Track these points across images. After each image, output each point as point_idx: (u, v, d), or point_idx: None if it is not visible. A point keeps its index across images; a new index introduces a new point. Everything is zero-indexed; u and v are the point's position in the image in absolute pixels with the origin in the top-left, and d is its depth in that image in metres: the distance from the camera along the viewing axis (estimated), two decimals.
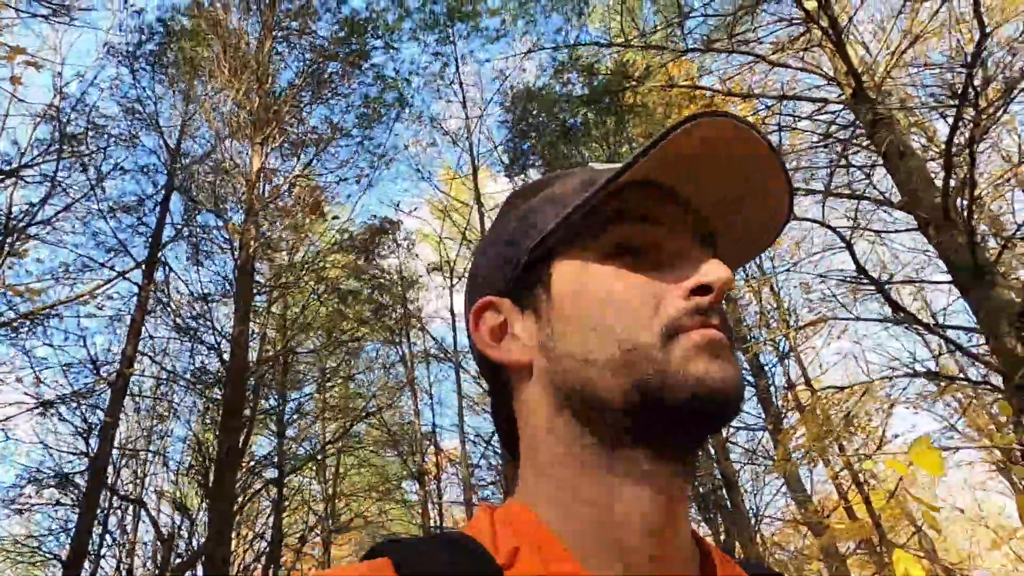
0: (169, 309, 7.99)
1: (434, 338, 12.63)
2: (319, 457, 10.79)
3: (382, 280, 11.06)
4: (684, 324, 0.45)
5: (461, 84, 11.20)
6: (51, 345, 7.54)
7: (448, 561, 0.44)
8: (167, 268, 8.89)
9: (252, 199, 6.63)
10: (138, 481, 8.54)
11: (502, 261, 0.55)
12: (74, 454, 7.41)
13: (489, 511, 0.50)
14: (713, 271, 0.46)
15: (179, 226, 9.03)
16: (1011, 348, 3.66)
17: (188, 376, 7.80)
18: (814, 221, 4.76)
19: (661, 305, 0.46)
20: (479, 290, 0.56)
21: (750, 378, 9.14)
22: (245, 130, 7.06)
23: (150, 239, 8.93)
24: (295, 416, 10.55)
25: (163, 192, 9.69)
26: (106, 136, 8.93)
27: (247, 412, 6.82)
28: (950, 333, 5.26)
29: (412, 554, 0.44)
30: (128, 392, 7.91)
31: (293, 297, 9.14)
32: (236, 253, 6.98)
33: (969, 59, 3.80)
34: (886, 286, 4.84)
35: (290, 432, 10.61)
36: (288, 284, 7.31)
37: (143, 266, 8.67)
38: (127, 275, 8.58)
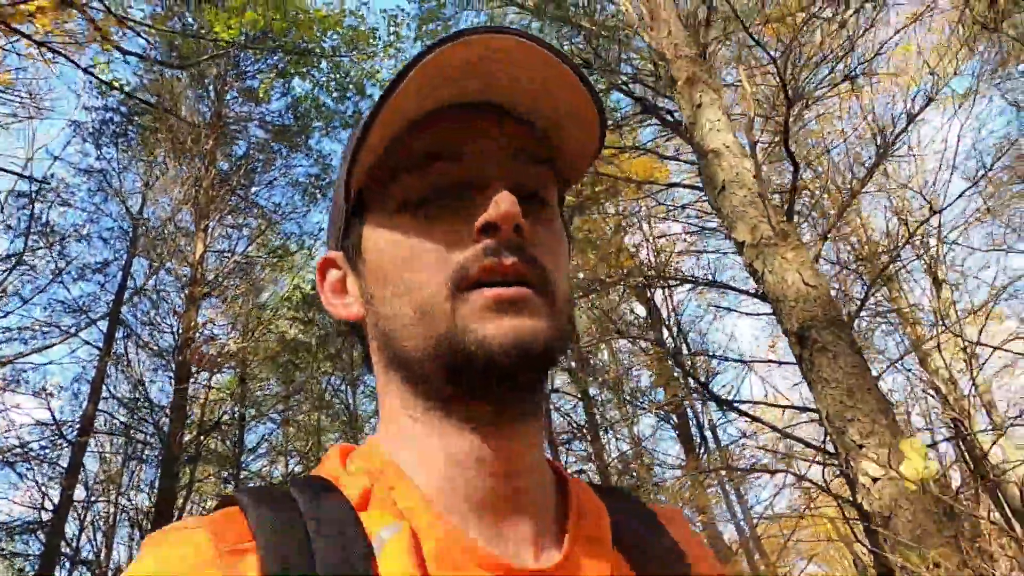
0: (126, 373, 8.80)
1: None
2: None
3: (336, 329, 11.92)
4: (471, 270, 0.44)
5: None
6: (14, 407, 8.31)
7: (301, 504, 0.43)
8: (126, 331, 9.72)
9: (193, 290, 7.49)
10: (94, 538, 9.29)
11: (332, 215, 0.56)
12: (35, 509, 8.22)
13: (341, 451, 0.51)
14: (499, 205, 0.44)
15: (135, 290, 9.86)
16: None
17: (135, 443, 8.61)
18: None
19: (450, 254, 0.45)
20: (327, 245, 0.57)
21: None
22: (191, 217, 7.93)
23: (111, 304, 9.77)
24: (251, 459, 11.36)
25: (125, 256, 10.56)
26: (71, 211, 9.80)
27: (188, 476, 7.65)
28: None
29: (262, 498, 0.44)
30: (89, 449, 8.73)
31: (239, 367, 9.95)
32: (177, 336, 7.85)
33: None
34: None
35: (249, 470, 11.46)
36: (227, 356, 8.14)
37: (110, 316, 9.52)
38: (91, 325, 9.41)
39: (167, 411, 7.61)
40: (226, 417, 9.75)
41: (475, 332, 0.43)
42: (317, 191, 9.90)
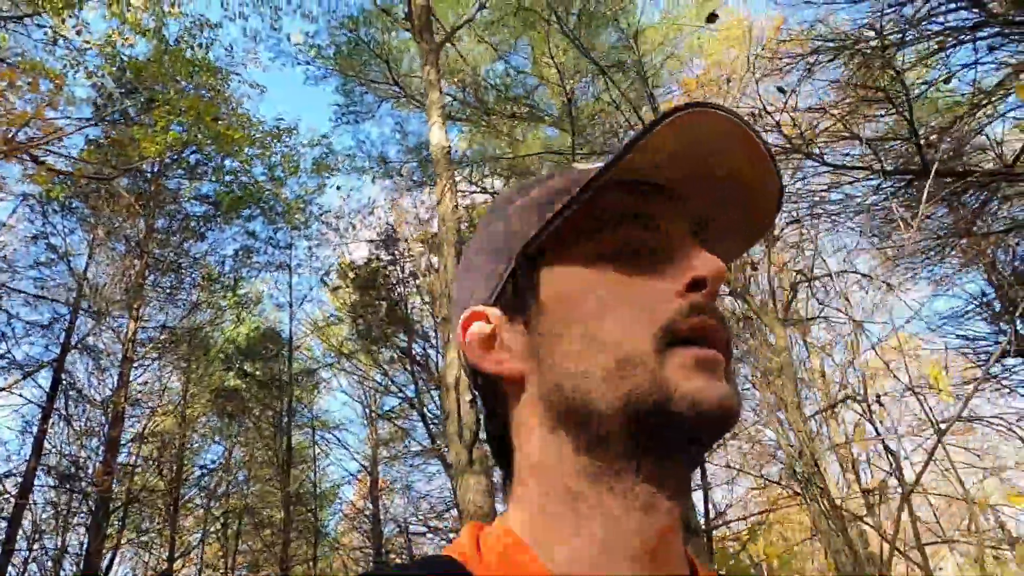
0: (69, 430, 9.70)
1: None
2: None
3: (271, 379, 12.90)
4: (680, 325, 0.44)
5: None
6: None
7: None
8: (69, 385, 10.57)
9: (125, 370, 8.47)
10: None
11: (489, 270, 0.53)
12: None
13: (475, 530, 0.48)
14: (705, 264, 0.45)
15: (78, 343, 10.75)
16: None
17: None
18: None
19: (655, 308, 0.45)
20: (467, 302, 0.55)
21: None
22: (124, 299, 8.92)
23: (55, 362, 10.61)
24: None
25: (69, 315, 11.41)
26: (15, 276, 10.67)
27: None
28: None
29: None
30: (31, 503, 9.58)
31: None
32: (108, 412, 8.81)
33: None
34: None
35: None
36: (154, 434, 9.11)
37: (54, 371, 10.37)
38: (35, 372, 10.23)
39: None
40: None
41: (684, 389, 0.42)
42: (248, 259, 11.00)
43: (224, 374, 12.11)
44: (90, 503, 8.93)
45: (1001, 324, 4.30)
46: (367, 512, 14.30)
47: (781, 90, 3.23)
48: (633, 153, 0.45)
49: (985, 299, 4.39)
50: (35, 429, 10.28)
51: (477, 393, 0.55)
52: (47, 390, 10.30)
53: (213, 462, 13.01)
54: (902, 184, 4.03)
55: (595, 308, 0.46)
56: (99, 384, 10.66)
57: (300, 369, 13.68)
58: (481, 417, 0.56)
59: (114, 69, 8.64)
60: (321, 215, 11.33)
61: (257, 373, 12.79)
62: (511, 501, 0.49)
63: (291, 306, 12.14)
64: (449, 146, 4.81)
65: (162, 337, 9.59)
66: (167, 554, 11.39)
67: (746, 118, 0.46)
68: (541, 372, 0.48)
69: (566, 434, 0.46)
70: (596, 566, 0.43)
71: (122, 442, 9.13)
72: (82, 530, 9.48)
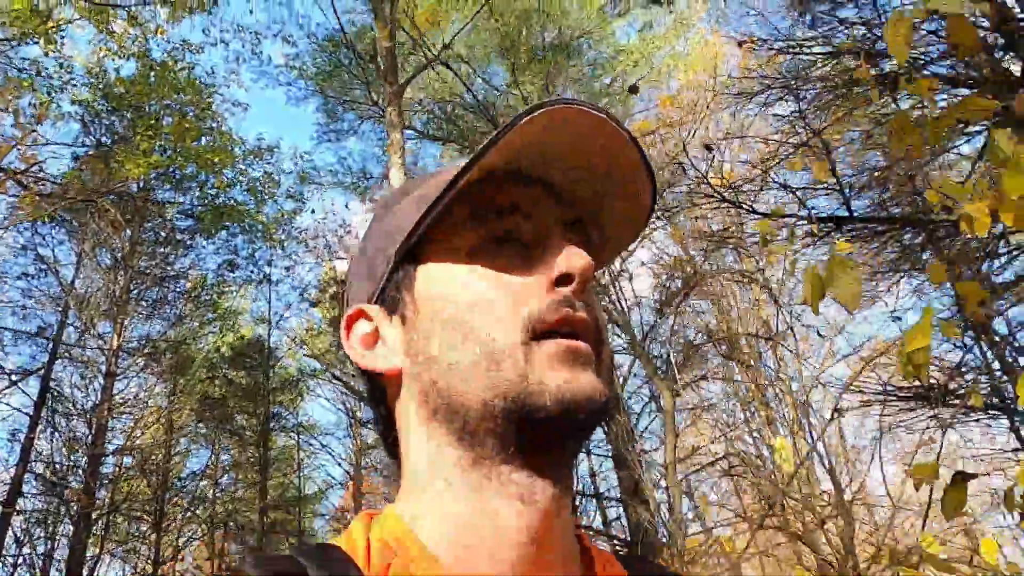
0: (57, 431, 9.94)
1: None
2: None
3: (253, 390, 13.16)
4: (547, 319, 0.45)
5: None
6: None
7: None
8: (57, 393, 10.80)
9: (109, 384, 8.73)
10: None
11: (371, 269, 0.54)
12: None
13: (367, 519, 0.48)
14: (573, 259, 0.45)
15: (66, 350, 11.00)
16: None
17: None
18: None
19: (524, 301, 0.45)
20: (352, 300, 0.56)
21: None
22: (110, 311, 9.18)
23: (42, 371, 10.84)
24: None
25: (57, 324, 11.63)
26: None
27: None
28: None
29: (273, 571, 0.43)
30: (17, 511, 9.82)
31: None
32: (92, 424, 9.08)
33: None
34: None
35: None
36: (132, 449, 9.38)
37: (42, 380, 10.60)
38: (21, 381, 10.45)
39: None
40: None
41: (549, 381, 0.43)
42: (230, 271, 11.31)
43: (208, 383, 12.36)
44: (72, 512, 9.20)
45: None
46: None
47: (708, 148, 3.49)
48: (499, 147, 0.45)
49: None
50: (23, 437, 10.58)
51: (366, 391, 0.55)
52: (35, 398, 10.57)
53: (198, 470, 13.32)
54: (829, 229, 4.33)
55: (465, 302, 0.46)
56: (84, 395, 10.92)
57: (284, 377, 13.95)
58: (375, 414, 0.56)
59: (100, 88, 8.90)
60: (300, 234, 11.60)
61: (242, 381, 13.06)
62: (399, 492, 0.50)
63: (270, 323, 12.38)
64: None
65: (146, 350, 9.83)
66: (153, 558, 11.63)
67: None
68: (416, 368, 0.48)
69: (441, 427, 0.47)
70: (477, 554, 0.43)
71: (108, 452, 9.36)
72: (69, 537, 9.73)
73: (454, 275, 0.48)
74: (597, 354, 0.46)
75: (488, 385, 0.44)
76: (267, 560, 0.44)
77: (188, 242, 10.84)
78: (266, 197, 9.85)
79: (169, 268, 11.08)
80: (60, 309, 11.75)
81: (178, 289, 11.17)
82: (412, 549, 0.44)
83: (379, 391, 0.54)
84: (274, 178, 9.70)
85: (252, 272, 11.75)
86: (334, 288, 10.95)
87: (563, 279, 0.46)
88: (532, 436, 0.44)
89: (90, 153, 8.42)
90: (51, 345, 11.37)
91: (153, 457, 11.25)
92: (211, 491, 13.58)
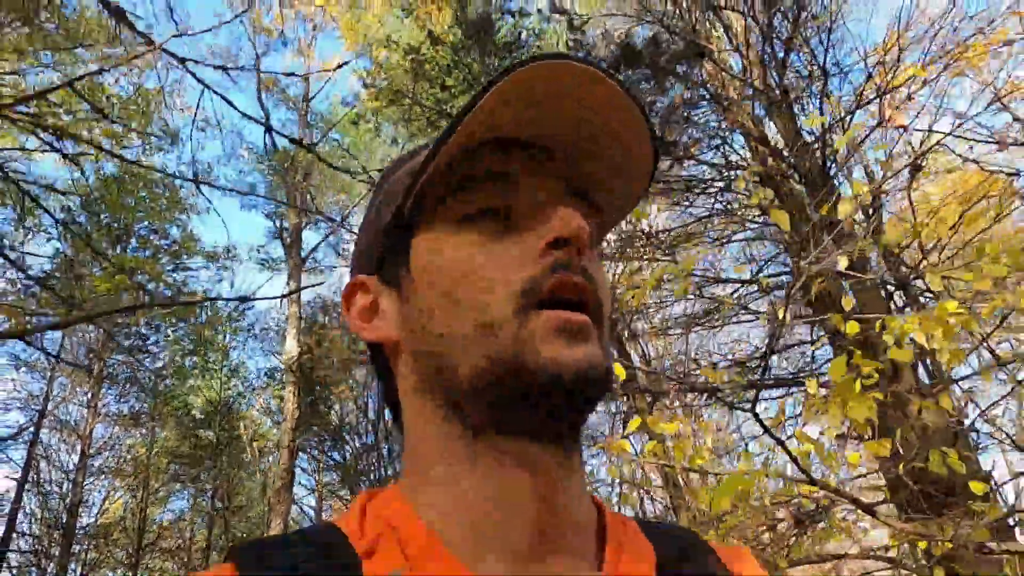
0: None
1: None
2: None
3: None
4: (541, 285, 0.44)
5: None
6: None
7: (301, 558, 0.42)
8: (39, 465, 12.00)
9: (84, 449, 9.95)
10: None
11: (368, 242, 0.55)
12: None
13: (365, 498, 0.49)
14: (566, 222, 0.44)
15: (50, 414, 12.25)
16: None
17: None
18: None
19: (517, 268, 0.45)
20: (353, 272, 0.56)
21: None
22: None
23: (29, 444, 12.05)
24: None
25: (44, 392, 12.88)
26: None
27: None
28: None
29: (261, 554, 0.43)
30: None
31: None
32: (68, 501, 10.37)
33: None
34: None
35: None
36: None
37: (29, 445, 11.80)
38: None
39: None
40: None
41: (544, 354, 0.42)
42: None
43: (181, 441, 13.56)
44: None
45: None
46: None
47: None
48: (481, 111, 0.44)
49: None
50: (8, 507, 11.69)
51: (370, 363, 0.56)
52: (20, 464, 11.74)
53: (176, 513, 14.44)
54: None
55: (458, 272, 0.46)
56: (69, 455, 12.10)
57: (254, 437, 15.06)
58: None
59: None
60: (251, 328, 12.88)
61: (212, 436, 14.19)
62: (402, 467, 0.50)
63: (223, 411, 13.37)
64: (299, 356, 6.15)
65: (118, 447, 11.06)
66: None
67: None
68: (412, 338, 0.48)
69: (437, 398, 0.47)
70: (477, 525, 0.43)
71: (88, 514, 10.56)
72: None
73: (447, 245, 0.47)
74: (598, 322, 0.45)
75: (482, 355, 0.43)
76: (260, 549, 0.44)
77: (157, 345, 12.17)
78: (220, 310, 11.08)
79: (140, 362, 12.25)
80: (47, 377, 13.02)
81: (146, 379, 12.48)
82: (402, 516, 0.45)
83: (383, 362, 0.54)
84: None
85: (213, 359, 13.02)
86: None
87: (558, 243, 0.45)
88: (528, 408, 0.43)
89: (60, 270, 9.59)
90: (37, 415, 12.59)
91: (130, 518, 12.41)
92: (189, 532, 14.66)
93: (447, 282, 0.46)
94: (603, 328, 0.46)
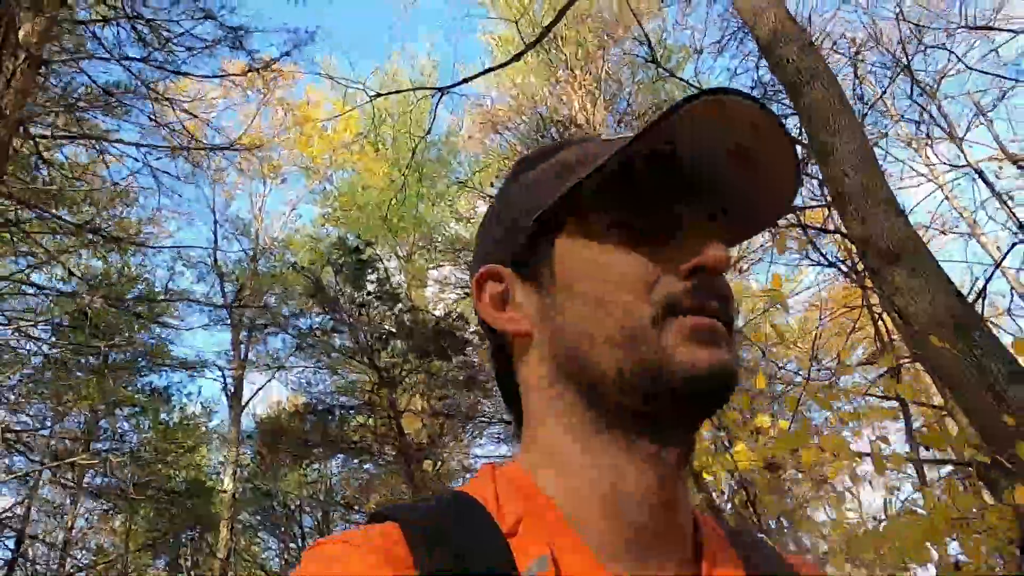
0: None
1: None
2: None
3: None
4: (682, 303, 0.47)
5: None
6: None
7: (454, 524, 0.45)
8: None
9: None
10: None
11: (505, 231, 0.56)
12: None
13: (491, 471, 0.51)
14: (711, 252, 0.47)
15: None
16: None
17: None
18: None
19: (661, 283, 0.47)
20: (483, 259, 0.58)
21: None
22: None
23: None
24: None
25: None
26: None
27: None
28: None
29: (418, 517, 0.46)
30: None
31: None
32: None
33: None
34: None
35: None
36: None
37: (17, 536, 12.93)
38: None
39: None
40: None
41: (681, 358, 0.45)
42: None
43: (157, 517, 14.64)
44: None
45: None
46: None
47: None
48: (651, 134, 0.46)
49: None
50: None
51: (490, 348, 0.59)
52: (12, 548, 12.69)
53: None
54: None
55: (605, 277, 0.49)
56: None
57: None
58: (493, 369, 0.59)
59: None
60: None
61: (189, 505, 15.20)
62: (522, 446, 0.54)
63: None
64: (235, 490, 6.99)
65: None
66: None
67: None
68: (550, 333, 0.51)
69: (570, 391, 0.50)
70: (596, 509, 0.47)
71: None
72: None
73: (594, 251, 0.50)
74: (730, 334, 0.48)
75: (622, 356, 0.47)
76: (416, 511, 0.47)
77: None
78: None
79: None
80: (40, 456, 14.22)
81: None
82: (541, 503, 0.47)
83: (503, 350, 0.57)
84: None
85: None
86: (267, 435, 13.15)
87: (701, 269, 0.48)
88: (663, 407, 0.46)
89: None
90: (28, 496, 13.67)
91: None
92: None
93: (592, 286, 0.49)
94: (733, 337, 0.49)
